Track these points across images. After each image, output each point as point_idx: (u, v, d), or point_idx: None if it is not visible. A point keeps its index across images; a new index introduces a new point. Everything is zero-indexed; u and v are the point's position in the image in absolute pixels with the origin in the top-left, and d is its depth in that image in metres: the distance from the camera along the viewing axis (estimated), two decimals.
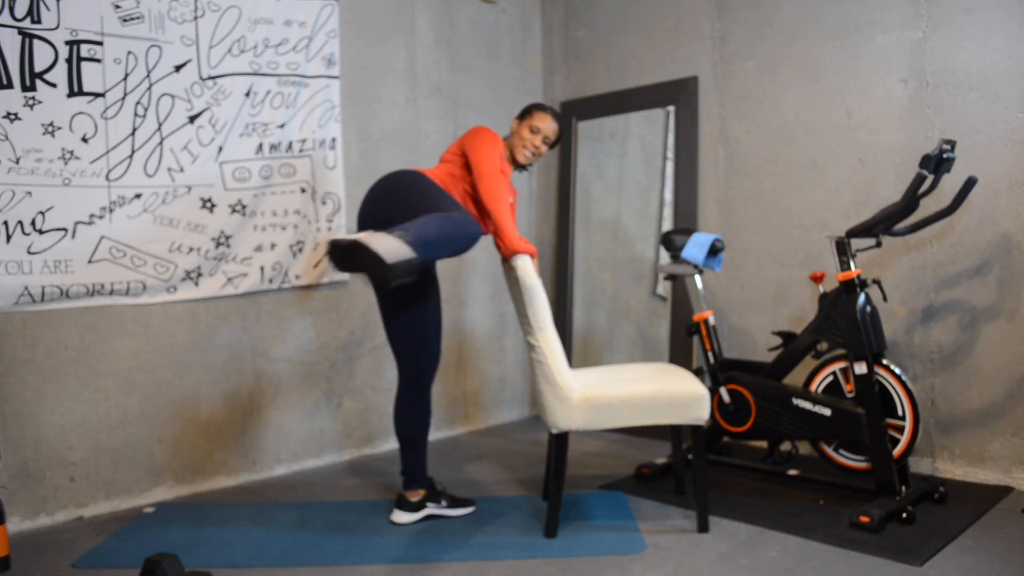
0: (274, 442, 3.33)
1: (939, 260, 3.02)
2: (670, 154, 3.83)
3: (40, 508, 2.74)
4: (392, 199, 2.54)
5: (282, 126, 3.25)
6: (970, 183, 2.64)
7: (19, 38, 2.64)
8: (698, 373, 3.04)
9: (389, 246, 2.17)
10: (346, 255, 2.21)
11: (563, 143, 4.19)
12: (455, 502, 2.78)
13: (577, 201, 4.19)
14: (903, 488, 2.65)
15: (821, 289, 2.89)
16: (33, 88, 2.68)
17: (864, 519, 2.48)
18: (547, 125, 2.80)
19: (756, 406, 2.89)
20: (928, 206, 2.85)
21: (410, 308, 2.61)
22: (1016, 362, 2.87)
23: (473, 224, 2.44)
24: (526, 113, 2.84)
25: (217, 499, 3.01)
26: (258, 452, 3.28)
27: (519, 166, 2.87)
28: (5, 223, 2.64)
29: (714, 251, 3.00)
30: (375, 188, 2.63)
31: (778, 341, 3.13)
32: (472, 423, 4.05)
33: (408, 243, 2.21)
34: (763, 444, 3.34)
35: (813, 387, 2.92)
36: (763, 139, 3.49)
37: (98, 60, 2.80)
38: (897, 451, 2.74)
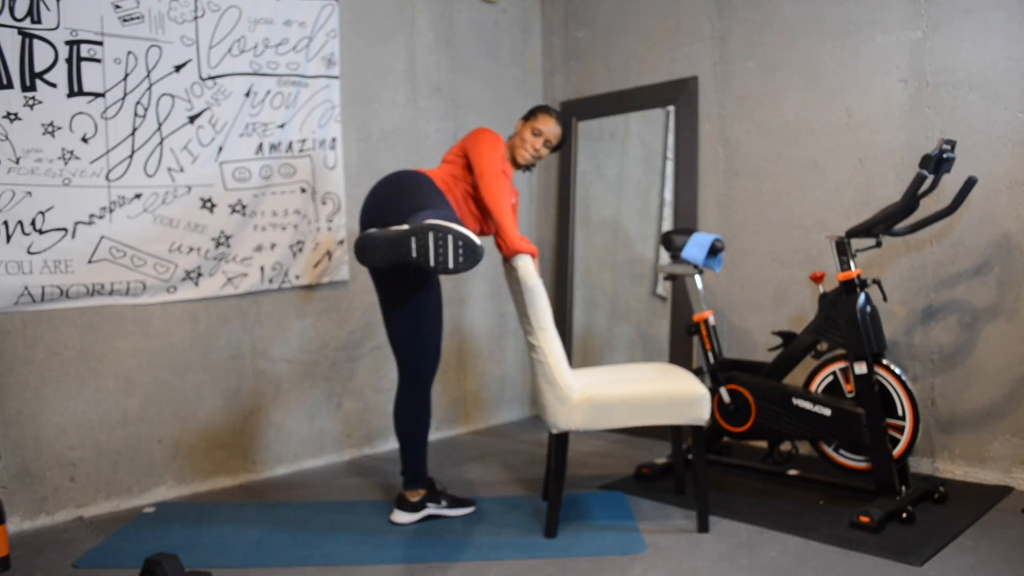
0: (274, 442, 3.33)
1: (939, 260, 3.02)
2: (670, 154, 3.83)
3: (40, 508, 2.74)
4: (392, 200, 2.54)
5: (282, 126, 3.25)
6: (970, 183, 2.64)
7: (19, 38, 2.64)
8: (698, 373, 3.05)
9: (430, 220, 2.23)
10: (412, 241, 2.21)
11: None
12: (455, 502, 2.78)
13: (577, 201, 4.19)
14: (903, 488, 2.65)
15: (821, 289, 2.89)
16: (33, 88, 2.68)
17: (864, 519, 2.48)
18: (550, 128, 2.80)
19: (756, 406, 2.89)
20: (928, 206, 2.85)
21: (410, 308, 2.61)
22: (1016, 362, 2.87)
23: None
24: (531, 115, 2.84)
25: (217, 499, 3.01)
26: (258, 452, 3.28)
27: (519, 167, 2.87)
28: (5, 223, 2.64)
29: (714, 251, 3.00)
30: (376, 189, 2.62)
31: (778, 341, 3.13)
32: (472, 423, 4.05)
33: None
34: (763, 444, 3.35)
35: (813, 387, 2.92)
36: (763, 139, 3.49)
37: (98, 60, 2.80)
38: (897, 451, 2.74)
